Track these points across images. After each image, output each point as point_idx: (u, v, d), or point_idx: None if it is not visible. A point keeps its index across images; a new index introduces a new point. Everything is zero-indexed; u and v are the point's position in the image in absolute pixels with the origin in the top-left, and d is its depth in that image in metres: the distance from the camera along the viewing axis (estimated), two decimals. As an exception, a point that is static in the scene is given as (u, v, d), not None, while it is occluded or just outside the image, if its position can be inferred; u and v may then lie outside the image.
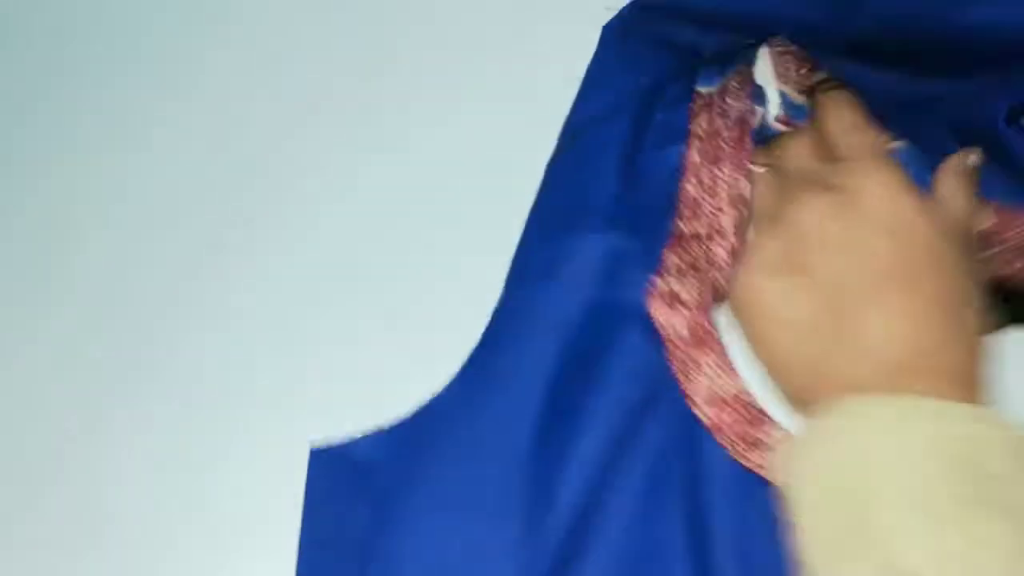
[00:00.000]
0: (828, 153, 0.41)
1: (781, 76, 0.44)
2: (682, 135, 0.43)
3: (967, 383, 0.35)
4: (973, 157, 0.39)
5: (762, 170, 0.42)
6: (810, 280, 0.37)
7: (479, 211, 0.50)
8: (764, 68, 0.44)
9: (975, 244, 0.38)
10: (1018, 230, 0.40)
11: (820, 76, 0.44)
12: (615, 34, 0.44)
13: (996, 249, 0.40)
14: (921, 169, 0.40)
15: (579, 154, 0.45)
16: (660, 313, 0.41)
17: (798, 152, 0.41)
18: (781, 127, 0.43)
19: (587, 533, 0.40)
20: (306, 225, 0.52)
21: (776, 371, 0.38)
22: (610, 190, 0.43)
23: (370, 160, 0.53)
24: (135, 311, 0.51)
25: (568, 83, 0.46)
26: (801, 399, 0.37)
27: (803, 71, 0.44)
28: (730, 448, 0.40)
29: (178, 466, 0.48)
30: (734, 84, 0.44)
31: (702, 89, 0.44)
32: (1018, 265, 0.41)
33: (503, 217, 0.46)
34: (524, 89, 0.53)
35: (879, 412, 0.33)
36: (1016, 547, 0.30)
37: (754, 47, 0.44)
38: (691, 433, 0.40)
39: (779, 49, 0.44)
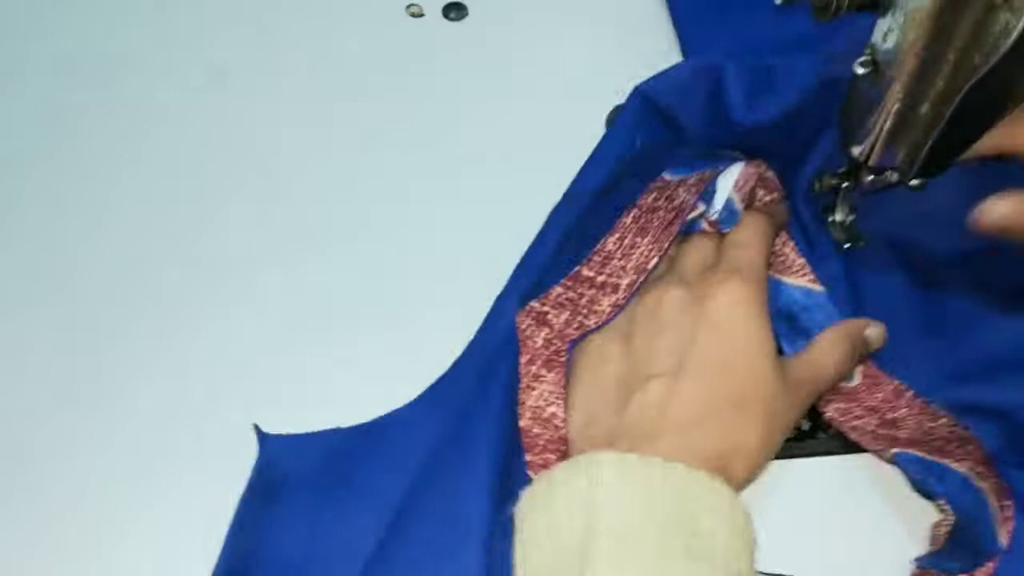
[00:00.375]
0: (717, 259, 0.44)
1: (739, 187, 0.47)
2: (627, 205, 0.47)
3: (715, 466, 0.37)
4: (873, 331, 0.44)
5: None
6: (628, 347, 0.42)
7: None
8: (730, 176, 0.47)
9: (809, 390, 0.42)
10: (877, 394, 0.43)
11: (772, 200, 0.48)
12: (642, 98, 0.48)
13: (853, 406, 0.45)
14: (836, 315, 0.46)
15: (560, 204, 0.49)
16: (525, 325, 0.44)
17: (694, 251, 0.46)
18: (707, 228, 0.47)
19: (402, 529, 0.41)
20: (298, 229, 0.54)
21: (568, 412, 0.42)
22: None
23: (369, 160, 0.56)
24: (120, 308, 0.51)
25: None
26: (576, 445, 0.41)
27: (762, 192, 0.48)
28: (533, 470, 0.42)
29: (160, 466, 0.47)
30: (693, 180, 0.47)
31: (667, 175, 0.48)
32: (870, 422, 0.44)
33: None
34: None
35: (608, 466, 0.36)
36: None
37: (735, 159, 0.48)
38: (513, 443, 0.42)
39: (752, 168, 0.47)
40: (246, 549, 0.42)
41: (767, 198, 0.48)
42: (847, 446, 0.45)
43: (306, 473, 0.44)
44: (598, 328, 0.45)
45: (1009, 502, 0.41)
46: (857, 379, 0.46)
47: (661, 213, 0.46)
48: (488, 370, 0.44)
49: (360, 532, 0.41)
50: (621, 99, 0.56)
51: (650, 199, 0.47)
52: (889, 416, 0.44)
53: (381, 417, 0.46)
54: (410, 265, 0.52)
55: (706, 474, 0.36)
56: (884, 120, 0.41)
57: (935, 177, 0.44)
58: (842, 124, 0.45)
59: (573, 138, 0.55)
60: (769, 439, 0.40)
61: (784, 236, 0.49)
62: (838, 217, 0.48)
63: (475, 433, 0.42)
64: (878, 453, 0.44)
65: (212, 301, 0.51)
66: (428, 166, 0.56)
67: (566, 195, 0.48)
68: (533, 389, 0.44)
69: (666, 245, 0.46)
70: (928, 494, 0.43)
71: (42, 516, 0.45)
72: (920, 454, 0.42)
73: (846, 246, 0.48)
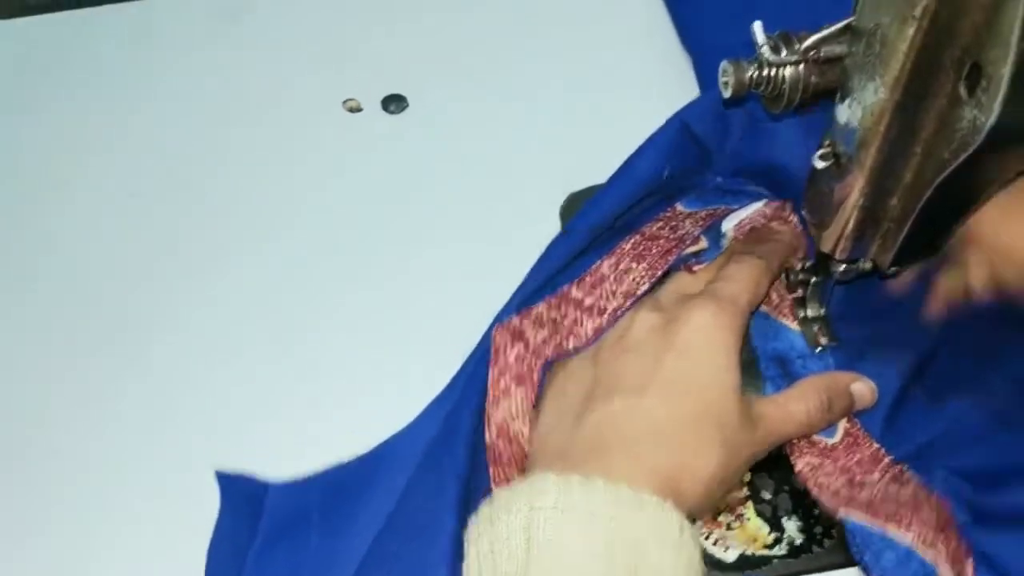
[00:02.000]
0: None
1: (740, 228, 0.46)
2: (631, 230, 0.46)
3: (665, 485, 0.36)
4: (861, 387, 0.43)
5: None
6: (595, 366, 0.41)
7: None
8: (737, 217, 0.46)
9: (774, 429, 0.40)
10: (855, 456, 0.40)
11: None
12: (679, 128, 0.46)
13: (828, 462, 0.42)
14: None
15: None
16: (500, 339, 0.43)
17: (673, 282, 0.44)
18: (691, 267, 0.45)
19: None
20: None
21: (532, 428, 0.41)
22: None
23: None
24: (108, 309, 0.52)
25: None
26: (531, 458, 0.41)
27: (776, 224, 0.46)
28: (496, 484, 0.41)
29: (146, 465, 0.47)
30: (703, 214, 0.46)
31: (680, 206, 0.47)
32: (837, 481, 0.41)
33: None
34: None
35: (550, 491, 0.35)
36: None
37: (757, 196, 0.47)
38: (476, 457, 0.41)
39: (769, 210, 0.46)
40: None
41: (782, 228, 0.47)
42: (843, 561, 0.42)
43: (310, 512, 0.44)
44: (576, 351, 0.43)
45: (968, 560, 0.39)
46: (838, 436, 0.43)
47: (662, 242, 0.45)
48: (464, 389, 0.43)
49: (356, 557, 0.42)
50: (572, 189, 0.54)
51: (655, 227, 0.46)
52: (859, 479, 0.42)
53: (379, 446, 0.45)
54: (350, 351, 0.50)
55: (652, 495, 0.35)
56: (850, 214, 0.38)
57: (912, 265, 0.41)
58: (806, 215, 0.42)
59: (522, 230, 0.53)
60: (724, 467, 0.38)
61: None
62: (809, 313, 0.44)
63: (447, 451, 0.41)
64: (828, 510, 0.41)
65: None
66: (374, 262, 0.54)
67: (578, 222, 0.46)
68: (501, 403, 0.42)
69: (659, 273, 0.44)
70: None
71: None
72: (865, 522, 0.40)
73: (817, 349, 0.44)
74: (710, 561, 0.42)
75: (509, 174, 0.57)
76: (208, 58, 0.62)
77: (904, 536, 0.39)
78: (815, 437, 0.42)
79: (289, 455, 0.45)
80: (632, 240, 0.46)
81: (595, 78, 0.60)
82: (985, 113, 0.30)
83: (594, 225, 0.46)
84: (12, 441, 0.48)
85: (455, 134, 0.58)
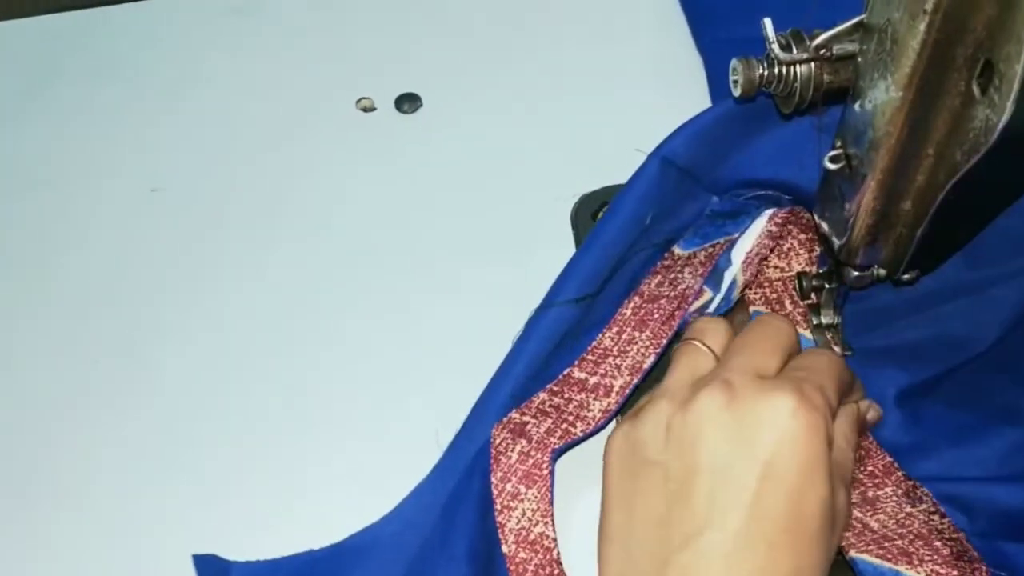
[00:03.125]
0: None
1: (748, 263, 0.43)
2: (629, 290, 0.43)
3: None
4: (873, 413, 0.41)
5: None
6: (665, 480, 0.36)
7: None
8: (741, 248, 0.43)
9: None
10: (867, 468, 0.40)
11: (806, 261, 0.44)
12: (660, 167, 0.44)
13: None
14: None
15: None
16: (500, 439, 0.40)
17: (686, 365, 0.39)
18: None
19: None
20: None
21: (603, 544, 0.37)
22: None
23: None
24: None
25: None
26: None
27: (796, 230, 0.44)
28: None
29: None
30: (702, 257, 0.43)
31: (677, 249, 0.45)
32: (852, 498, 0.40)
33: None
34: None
35: None
36: None
37: (759, 208, 0.44)
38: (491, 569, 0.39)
39: (780, 218, 0.43)
40: None
41: (801, 236, 0.45)
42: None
43: None
44: (586, 436, 0.41)
45: None
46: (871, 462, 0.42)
47: (663, 302, 0.42)
48: (458, 492, 0.41)
49: None
50: (585, 190, 0.53)
51: (653, 284, 0.43)
52: (871, 493, 0.41)
53: (350, 538, 0.42)
54: (366, 369, 0.49)
55: None
56: (863, 218, 0.37)
57: (929, 272, 0.40)
58: (818, 219, 0.41)
59: (535, 232, 0.53)
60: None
61: (786, 283, 0.45)
62: (823, 320, 0.43)
63: (443, 558, 0.39)
64: (841, 547, 0.39)
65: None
66: (386, 261, 0.53)
67: (556, 295, 0.43)
68: (513, 509, 0.39)
69: (664, 342, 0.41)
70: None
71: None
72: (876, 561, 0.38)
73: None
74: None
75: (522, 174, 0.56)
76: (220, 55, 0.62)
77: (917, 574, 0.38)
78: None
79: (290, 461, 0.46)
80: (632, 304, 0.43)
81: (610, 77, 0.59)
82: (998, 113, 0.29)
83: (577, 297, 0.43)
84: (15, 437, 0.48)
85: (468, 133, 0.58)
